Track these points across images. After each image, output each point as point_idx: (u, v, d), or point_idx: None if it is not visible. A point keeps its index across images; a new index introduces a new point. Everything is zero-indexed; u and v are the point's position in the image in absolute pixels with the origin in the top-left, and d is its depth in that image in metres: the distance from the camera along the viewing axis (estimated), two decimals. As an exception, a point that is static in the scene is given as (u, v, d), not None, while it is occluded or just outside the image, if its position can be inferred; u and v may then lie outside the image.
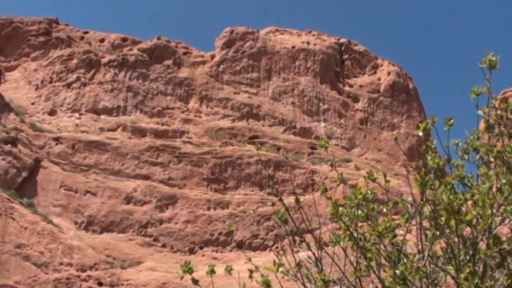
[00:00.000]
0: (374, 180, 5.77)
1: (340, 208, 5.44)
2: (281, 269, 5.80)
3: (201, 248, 42.65)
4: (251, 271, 6.52)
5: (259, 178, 46.51)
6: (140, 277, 38.86)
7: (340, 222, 5.66)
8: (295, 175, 46.58)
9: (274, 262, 5.80)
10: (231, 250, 42.48)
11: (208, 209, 44.24)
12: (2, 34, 59.27)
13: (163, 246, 42.37)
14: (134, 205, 43.78)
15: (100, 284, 38.18)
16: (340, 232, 5.91)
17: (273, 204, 6.86)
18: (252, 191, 45.80)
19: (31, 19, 61.14)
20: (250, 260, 6.81)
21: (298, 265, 5.89)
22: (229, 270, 6.60)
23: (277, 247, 41.66)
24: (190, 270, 5.87)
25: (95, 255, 39.69)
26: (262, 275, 5.94)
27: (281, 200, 6.40)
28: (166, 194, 44.56)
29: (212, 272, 6.30)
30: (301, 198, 6.24)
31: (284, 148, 49.85)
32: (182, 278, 5.97)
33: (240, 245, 42.44)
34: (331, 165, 6.16)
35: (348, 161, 49.68)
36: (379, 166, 50.88)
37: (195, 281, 5.91)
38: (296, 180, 46.29)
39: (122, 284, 38.35)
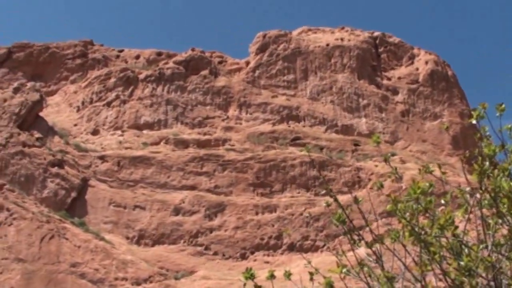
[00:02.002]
0: (431, 173, 5.72)
1: (399, 204, 5.40)
2: (344, 270, 5.78)
3: (252, 253, 42.68)
4: (311, 273, 6.50)
5: (305, 179, 46.36)
6: (195, 286, 39.07)
7: (399, 218, 5.61)
8: (341, 173, 46.32)
9: (337, 263, 5.78)
10: (282, 253, 42.41)
11: (256, 214, 44.27)
12: (40, 60, 60.32)
13: (215, 254, 42.52)
14: (183, 216, 44.05)
15: (156, 296, 38.52)
16: (399, 227, 5.87)
17: (328, 205, 6.83)
18: (299, 193, 45.68)
19: (66, 43, 62.03)
20: (309, 262, 6.80)
21: (361, 263, 5.86)
22: (288, 275, 6.60)
23: (328, 248, 41.48)
24: (252, 277, 5.89)
25: (148, 268, 40.05)
26: (324, 277, 5.93)
27: (336, 200, 6.39)
28: (213, 202, 44.74)
29: (272, 276, 6.31)
30: (351, 196, 6.23)
31: (327, 147, 49.61)
32: (244, 285, 5.99)
33: (291, 248, 42.35)
34: (385, 160, 6.12)
35: (393, 154, 49.13)
36: (424, 157, 50.29)
37: (258, 287, 5.92)
38: (342, 179, 46.01)
39: (178, 295, 38.65)
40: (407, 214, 5.44)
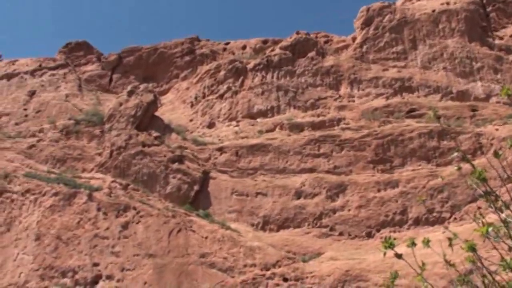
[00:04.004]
0: None
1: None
2: (490, 228, 5.66)
3: (378, 230, 42.23)
4: (450, 239, 6.43)
5: (425, 151, 45.32)
6: (323, 268, 39.14)
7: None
8: (461, 141, 44.93)
9: (483, 222, 5.68)
10: (408, 228, 41.69)
11: (379, 191, 43.73)
12: (149, 62, 62.34)
13: (340, 234, 42.42)
14: (305, 199, 44.21)
15: (285, 280, 38.87)
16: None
17: (459, 169, 6.71)
18: (419, 165, 44.68)
19: (172, 42, 63.69)
20: (447, 228, 6.73)
21: (505, 222, 5.73)
22: (426, 242, 6.56)
23: (455, 218, 40.44)
24: (391, 245, 5.90)
25: (276, 252, 40.48)
26: (466, 240, 5.84)
27: (468, 161, 6.27)
28: (334, 183, 44.59)
29: (413, 244, 6.30)
30: (486, 159, 6.08)
31: (444, 115, 48.22)
32: (384, 254, 6.00)
33: (417, 222, 41.57)
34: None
35: (514, 116, 47.13)
36: (547, 116, 47.90)
37: (398, 256, 5.93)
38: (462, 146, 44.64)
39: (307, 277, 38.78)
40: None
